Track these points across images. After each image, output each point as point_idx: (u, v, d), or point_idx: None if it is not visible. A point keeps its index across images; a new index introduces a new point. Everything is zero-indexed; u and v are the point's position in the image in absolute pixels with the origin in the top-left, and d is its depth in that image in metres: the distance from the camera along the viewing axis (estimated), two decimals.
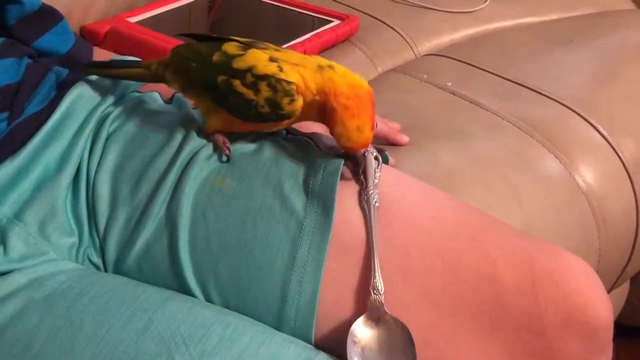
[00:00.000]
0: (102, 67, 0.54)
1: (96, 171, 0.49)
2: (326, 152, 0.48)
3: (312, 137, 0.50)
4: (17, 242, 0.45)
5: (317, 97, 0.45)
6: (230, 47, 0.47)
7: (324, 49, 0.87)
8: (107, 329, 0.40)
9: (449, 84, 0.79)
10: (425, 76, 0.81)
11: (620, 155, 0.71)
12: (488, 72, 0.81)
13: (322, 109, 0.45)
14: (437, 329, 0.43)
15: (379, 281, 0.42)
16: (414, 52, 0.92)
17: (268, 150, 0.48)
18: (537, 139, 0.70)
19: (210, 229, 0.45)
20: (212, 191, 0.47)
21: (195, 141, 0.50)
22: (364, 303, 0.43)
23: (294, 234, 0.44)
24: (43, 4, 0.54)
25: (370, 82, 0.86)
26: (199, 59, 0.48)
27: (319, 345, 0.43)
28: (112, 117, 0.52)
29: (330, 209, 0.44)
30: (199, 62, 0.48)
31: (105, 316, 0.40)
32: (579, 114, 0.73)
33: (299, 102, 0.45)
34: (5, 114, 0.48)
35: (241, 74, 0.45)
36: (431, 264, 0.44)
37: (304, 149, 0.49)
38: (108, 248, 0.47)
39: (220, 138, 0.49)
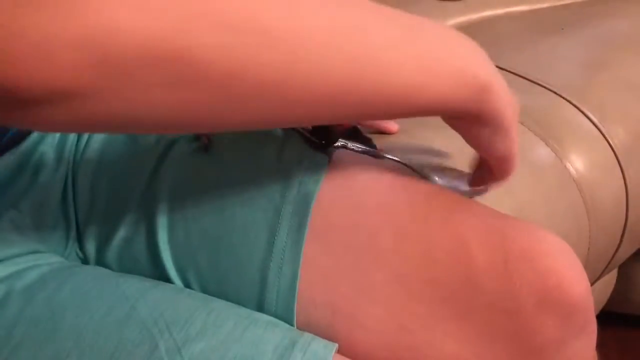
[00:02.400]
0: None
1: (80, 163, 0.49)
2: (311, 143, 0.47)
3: (297, 127, 0.49)
4: (11, 233, 0.44)
5: None
6: None
7: None
8: (88, 317, 0.39)
9: None
10: None
11: (611, 142, 0.72)
12: None
13: None
14: (411, 313, 0.42)
15: None
16: None
17: (247, 138, 0.48)
18: (528, 127, 0.70)
19: (188, 219, 0.45)
20: (190, 180, 0.46)
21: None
22: (335, 286, 0.43)
23: (272, 220, 0.43)
24: None
25: None
26: None
27: (301, 329, 0.42)
28: None
29: (310, 198, 0.43)
30: None
31: (87, 305, 0.40)
32: (570, 102, 0.73)
33: None
34: None
35: None
36: (403, 248, 0.43)
37: (286, 138, 0.48)
38: (88, 241, 0.47)
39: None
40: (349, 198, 0.45)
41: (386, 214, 0.44)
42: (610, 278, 0.91)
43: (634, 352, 1.00)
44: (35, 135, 0.48)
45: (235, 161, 0.47)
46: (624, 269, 0.92)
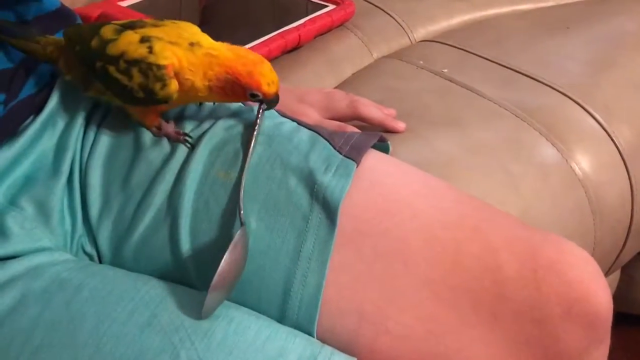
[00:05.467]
0: None
1: (88, 159, 0.48)
2: (337, 146, 0.47)
3: (320, 131, 0.49)
4: (14, 228, 0.44)
5: (193, 77, 0.43)
6: (107, 31, 0.45)
7: (319, 35, 0.86)
8: (109, 323, 0.39)
9: (445, 70, 0.78)
10: (421, 62, 0.80)
11: (616, 142, 0.71)
12: (484, 58, 0.81)
13: (216, 87, 0.43)
14: (439, 319, 0.43)
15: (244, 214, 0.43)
16: (410, 38, 0.91)
17: (273, 143, 0.47)
18: (533, 127, 0.70)
19: (212, 221, 0.45)
20: (215, 183, 0.46)
21: (188, 129, 0.49)
22: (363, 292, 0.43)
23: (300, 228, 0.43)
24: (61, 5, 0.54)
25: (365, 68, 0.86)
26: (82, 42, 0.46)
27: (320, 338, 0.42)
28: (103, 104, 0.51)
29: (337, 207, 0.43)
30: (82, 47, 0.46)
31: (107, 310, 0.40)
32: (575, 101, 0.73)
33: (173, 86, 0.43)
34: (2, 96, 0.47)
35: (115, 60, 0.44)
36: (432, 254, 0.43)
37: (311, 143, 0.47)
38: (101, 237, 0.47)
39: (171, 131, 0.48)
40: (378, 204, 0.45)
41: (416, 220, 0.44)
42: (614, 278, 0.91)
43: (636, 352, 1.00)
44: (31, 131, 0.47)
45: (261, 165, 0.46)
46: (627, 269, 0.92)
